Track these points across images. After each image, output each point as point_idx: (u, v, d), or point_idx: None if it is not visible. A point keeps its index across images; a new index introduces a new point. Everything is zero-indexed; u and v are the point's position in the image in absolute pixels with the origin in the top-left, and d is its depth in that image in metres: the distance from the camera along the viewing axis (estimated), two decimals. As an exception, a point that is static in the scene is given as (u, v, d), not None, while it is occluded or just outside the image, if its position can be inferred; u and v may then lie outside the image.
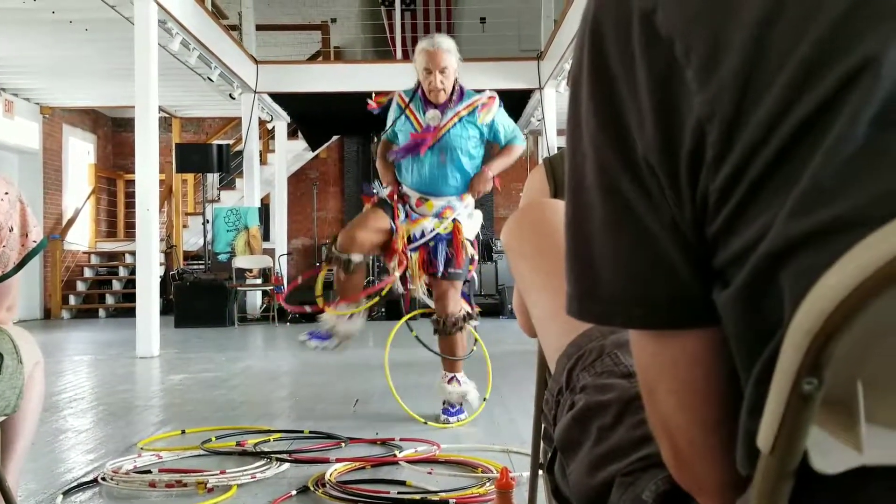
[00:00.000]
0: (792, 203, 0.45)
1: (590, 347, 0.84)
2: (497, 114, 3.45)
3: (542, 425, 1.47)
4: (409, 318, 3.57)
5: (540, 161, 8.55)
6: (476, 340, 3.60)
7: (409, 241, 3.40)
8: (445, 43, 3.39)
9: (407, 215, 3.41)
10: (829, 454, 0.43)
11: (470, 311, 3.46)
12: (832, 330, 0.39)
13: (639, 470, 0.69)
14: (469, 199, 3.49)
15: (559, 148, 9.75)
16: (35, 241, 1.84)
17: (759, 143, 0.47)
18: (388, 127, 3.55)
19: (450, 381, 3.44)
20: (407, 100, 3.46)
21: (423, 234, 3.40)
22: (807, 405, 0.41)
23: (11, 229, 1.76)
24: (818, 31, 0.46)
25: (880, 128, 0.44)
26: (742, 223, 0.49)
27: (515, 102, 10.63)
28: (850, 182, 0.44)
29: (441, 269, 3.40)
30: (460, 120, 3.38)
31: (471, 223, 3.53)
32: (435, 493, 2.34)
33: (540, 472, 1.59)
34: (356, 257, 3.34)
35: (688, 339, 0.55)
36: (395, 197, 3.44)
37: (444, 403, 3.42)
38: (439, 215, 3.42)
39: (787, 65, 0.47)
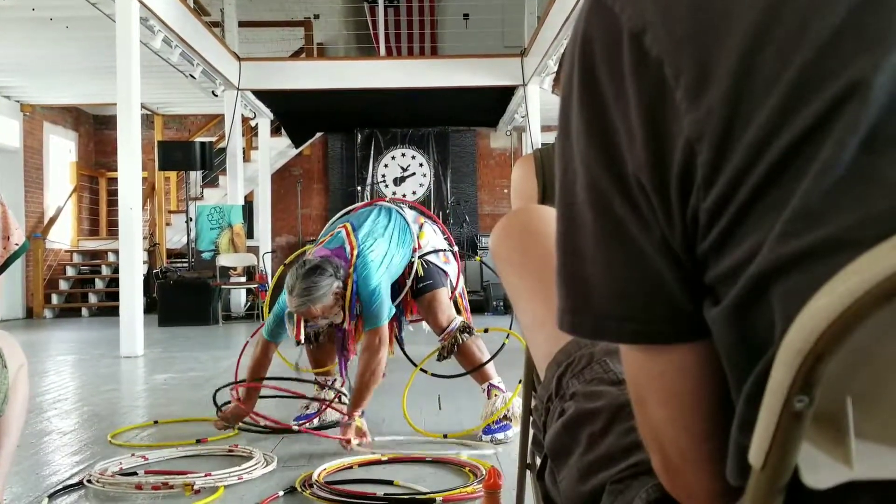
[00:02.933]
0: (782, 224, 0.46)
1: (579, 355, 0.85)
2: (360, 277, 3.02)
3: (530, 427, 1.47)
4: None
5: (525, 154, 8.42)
6: (508, 335, 3.45)
7: None
8: (303, 303, 2.90)
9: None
10: (819, 469, 0.43)
11: (463, 322, 3.29)
12: (823, 349, 0.40)
13: (629, 477, 0.70)
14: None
15: (544, 145, 9.75)
16: (17, 244, 1.82)
17: (749, 165, 0.48)
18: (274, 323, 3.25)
19: (489, 395, 3.23)
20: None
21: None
22: (798, 422, 0.42)
23: None
24: (805, 56, 0.47)
25: (868, 152, 0.45)
26: (732, 242, 0.49)
27: (499, 99, 10.65)
28: (838, 205, 0.44)
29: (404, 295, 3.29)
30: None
31: (433, 238, 3.38)
32: (422, 493, 2.34)
33: (528, 472, 1.60)
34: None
35: (678, 353, 0.56)
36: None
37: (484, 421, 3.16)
38: None
39: (774, 89, 0.47)
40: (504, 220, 1.09)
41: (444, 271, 3.38)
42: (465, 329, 3.29)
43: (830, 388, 0.42)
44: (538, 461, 1.50)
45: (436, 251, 3.38)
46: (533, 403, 1.39)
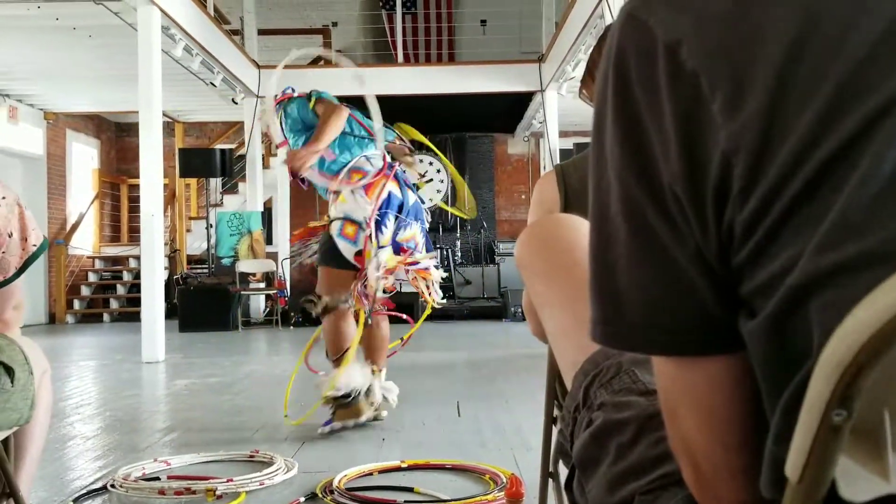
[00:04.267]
0: (820, 237, 0.46)
1: (607, 364, 0.85)
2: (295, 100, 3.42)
3: (553, 435, 1.47)
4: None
5: (542, 163, 8.45)
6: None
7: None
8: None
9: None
10: (856, 482, 0.43)
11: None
12: (862, 363, 0.40)
13: (658, 488, 0.70)
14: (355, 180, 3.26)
15: (562, 150, 9.76)
16: (35, 245, 1.83)
17: (786, 178, 0.48)
18: None
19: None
20: None
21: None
22: (836, 436, 0.41)
23: (11, 234, 1.74)
24: (842, 70, 0.47)
25: None
26: (768, 255, 0.49)
27: (517, 105, 10.64)
28: (877, 218, 0.44)
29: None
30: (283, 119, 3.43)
31: (346, 205, 3.26)
32: (443, 500, 2.34)
33: (549, 480, 1.60)
34: (335, 298, 3.25)
35: (711, 365, 0.56)
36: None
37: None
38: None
39: (811, 102, 0.47)
40: (529, 228, 1.09)
41: (334, 249, 3.22)
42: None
43: (869, 401, 0.42)
44: (560, 470, 1.49)
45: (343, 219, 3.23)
46: (556, 413, 1.39)
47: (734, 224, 0.51)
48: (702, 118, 0.51)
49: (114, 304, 11.43)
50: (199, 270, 10.77)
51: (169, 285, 9.72)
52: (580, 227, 1.01)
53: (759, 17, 0.51)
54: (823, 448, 0.42)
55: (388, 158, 3.46)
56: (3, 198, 1.75)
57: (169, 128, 11.61)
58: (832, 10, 0.49)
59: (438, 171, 12.21)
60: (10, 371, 1.73)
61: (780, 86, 0.48)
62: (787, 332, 0.48)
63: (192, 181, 11.79)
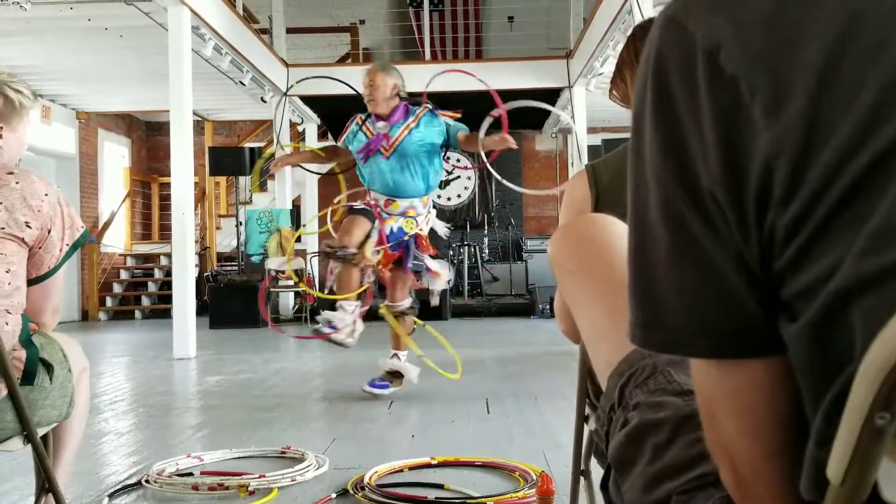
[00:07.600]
0: (863, 242, 0.46)
1: (642, 365, 0.85)
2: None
3: (584, 433, 1.47)
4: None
5: (570, 160, 8.38)
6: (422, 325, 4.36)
7: (388, 237, 4.04)
8: (378, 63, 4.18)
9: (380, 216, 4.06)
10: (899, 486, 0.43)
11: (411, 304, 4.21)
12: (905, 368, 0.40)
13: (695, 489, 0.70)
14: (429, 201, 4.11)
15: (590, 146, 9.70)
16: (68, 245, 1.83)
17: (828, 182, 0.48)
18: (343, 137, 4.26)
19: (391, 357, 4.17)
20: (363, 118, 4.15)
21: (392, 232, 4.02)
22: (879, 439, 0.41)
23: (50, 231, 1.76)
24: (884, 73, 0.46)
25: None
26: (810, 259, 0.49)
27: (545, 101, 10.57)
28: None
29: (407, 262, 4.06)
30: (414, 128, 4.01)
31: (428, 221, 4.16)
32: (473, 497, 2.35)
33: (581, 478, 1.60)
34: (351, 249, 3.97)
35: (751, 367, 0.56)
36: (368, 202, 4.12)
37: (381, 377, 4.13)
38: (404, 214, 4.04)
39: (852, 106, 0.47)
40: (562, 228, 1.09)
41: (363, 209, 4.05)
42: (409, 310, 4.20)
43: (912, 405, 0.42)
44: (592, 468, 1.49)
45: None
46: (587, 411, 1.39)
47: (776, 228, 0.51)
48: (742, 122, 0.51)
49: (145, 302, 11.59)
50: (228, 268, 10.88)
51: (199, 282, 9.83)
52: (613, 227, 1.01)
53: (798, 19, 0.50)
54: (866, 451, 0.42)
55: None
56: (46, 195, 1.77)
57: (199, 126, 11.72)
58: (872, 12, 0.48)
59: (466, 167, 12.20)
60: (49, 368, 1.76)
61: (821, 88, 0.48)
62: (830, 336, 0.48)
63: (222, 179, 11.90)
